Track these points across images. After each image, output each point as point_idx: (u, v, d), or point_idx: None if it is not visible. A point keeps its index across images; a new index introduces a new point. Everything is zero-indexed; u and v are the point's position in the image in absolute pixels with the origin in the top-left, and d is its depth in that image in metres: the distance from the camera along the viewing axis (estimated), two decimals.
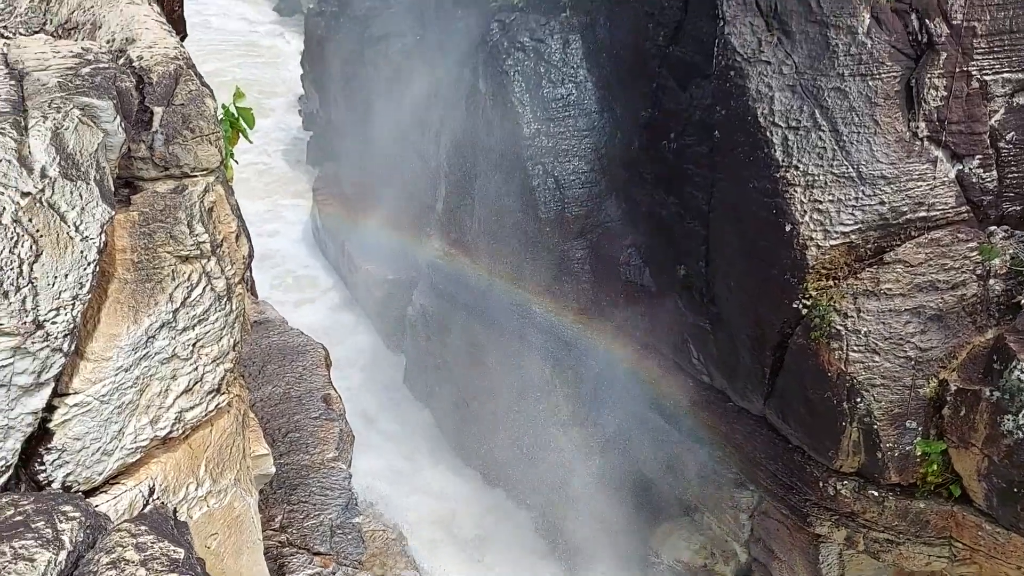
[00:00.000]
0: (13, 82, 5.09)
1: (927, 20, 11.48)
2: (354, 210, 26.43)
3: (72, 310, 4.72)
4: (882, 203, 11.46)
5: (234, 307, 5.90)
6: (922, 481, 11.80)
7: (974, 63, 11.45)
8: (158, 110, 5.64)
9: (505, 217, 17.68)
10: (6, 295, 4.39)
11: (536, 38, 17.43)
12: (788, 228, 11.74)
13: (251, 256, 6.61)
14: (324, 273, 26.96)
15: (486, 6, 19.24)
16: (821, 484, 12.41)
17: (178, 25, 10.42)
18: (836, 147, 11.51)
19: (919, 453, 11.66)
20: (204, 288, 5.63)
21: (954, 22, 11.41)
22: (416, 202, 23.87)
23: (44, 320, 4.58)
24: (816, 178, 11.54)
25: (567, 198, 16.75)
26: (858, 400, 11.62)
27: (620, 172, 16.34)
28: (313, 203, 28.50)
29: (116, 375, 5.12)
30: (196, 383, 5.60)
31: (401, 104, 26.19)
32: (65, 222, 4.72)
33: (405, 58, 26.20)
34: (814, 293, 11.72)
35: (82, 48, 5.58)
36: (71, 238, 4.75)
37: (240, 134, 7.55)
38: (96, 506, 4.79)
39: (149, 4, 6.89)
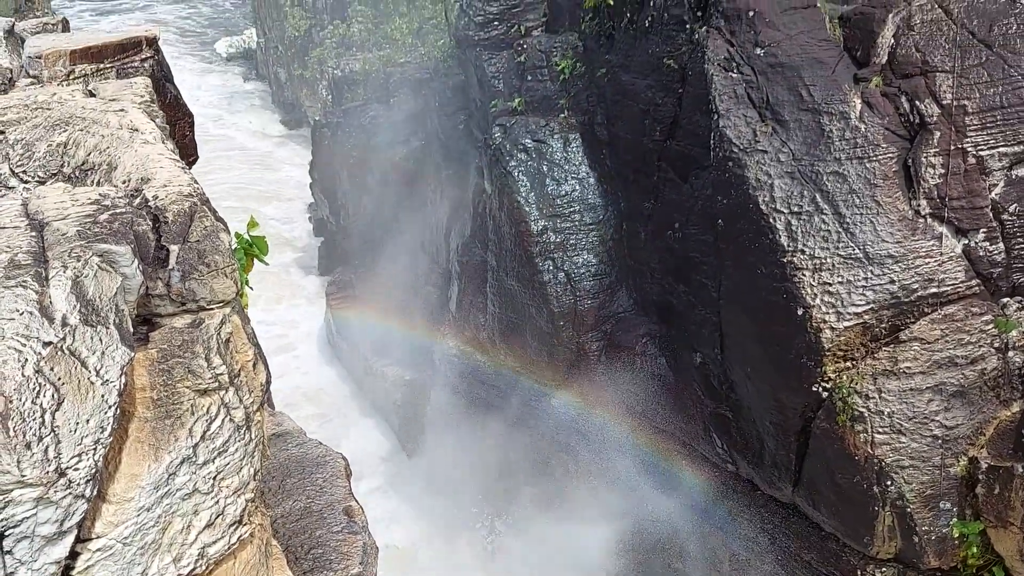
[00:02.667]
0: (34, 233, 5.27)
1: (917, 102, 11.75)
2: (368, 313, 26.64)
3: (94, 455, 4.75)
4: (892, 282, 11.49)
5: (253, 436, 5.92)
6: (963, 564, 11.44)
7: (968, 140, 11.65)
8: (174, 248, 5.80)
9: (519, 313, 17.79)
10: (28, 446, 4.44)
11: (537, 139, 17.92)
12: (800, 312, 11.76)
13: (268, 381, 6.67)
14: (340, 378, 26.96)
15: (487, 110, 19.84)
16: (859, 572, 12.05)
17: (189, 148, 10.77)
18: (840, 229, 11.62)
19: (956, 535, 11.34)
20: (223, 420, 5.66)
21: (944, 102, 11.67)
22: (429, 302, 24.07)
23: (66, 468, 4.61)
24: (823, 261, 11.61)
25: (578, 291, 16.89)
26: (888, 483, 11.39)
27: (629, 263, 16.51)
28: (326, 308, 28.76)
29: (138, 515, 5.11)
30: (218, 516, 5.57)
31: (409, 206, 26.72)
32: (86, 368, 4.81)
33: (411, 162, 26.89)
34: (833, 375, 11.64)
35: (100, 194, 5.77)
36: (92, 383, 4.83)
37: (255, 259, 7.71)
38: None
39: (162, 142, 7.15)
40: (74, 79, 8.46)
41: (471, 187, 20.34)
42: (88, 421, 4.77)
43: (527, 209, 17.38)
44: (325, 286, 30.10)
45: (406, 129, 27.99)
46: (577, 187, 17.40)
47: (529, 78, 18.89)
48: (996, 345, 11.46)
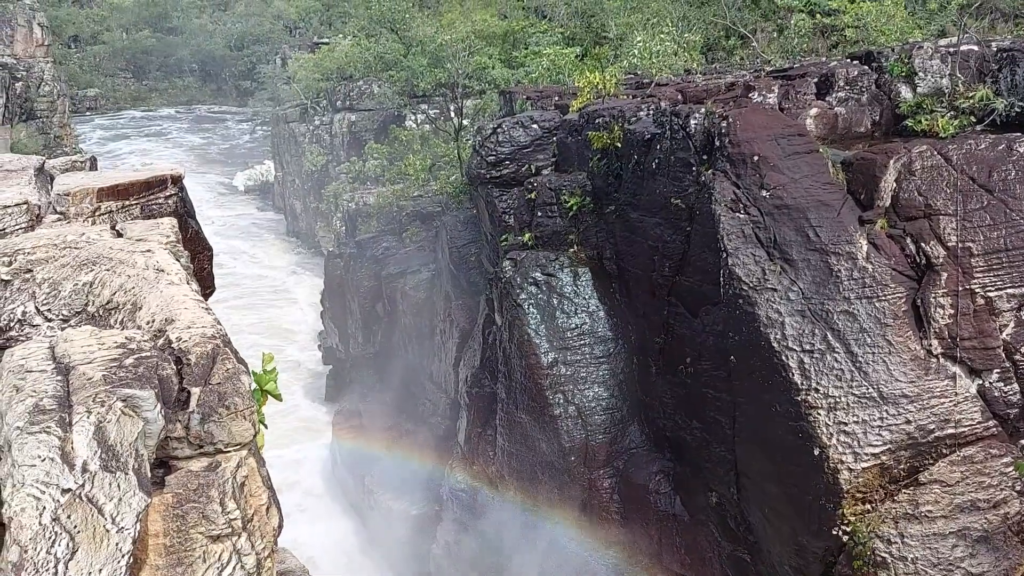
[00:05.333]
0: (60, 377, 5.33)
1: (923, 243, 11.98)
2: (373, 443, 26.31)
3: None
4: (908, 422, 11.38)
5: None
6: None
7: (976, 281, 11.80)
8: (195, 390, 5.82)
9: (529, 447, 17.55)
10: None
11: (547, 272, 18.19)
12: (816, 452, 11.59)
13: (281, 526, 6.54)
14: (343, 511, 26.34)
15: (497, 244, 20.25)
16: None
17: (207, 281, 10.97)
18: (853, 368, 11.61)
19: None
20: (234, 567, 5.53)
21: (949, 244, 11.89)
22: (437, 433, 23.80)
23: None
24: (838, 400, 11.54)
25: (590, 425, 16.71)
26: None
27: (641, 397, 16.41)
28: (332, 438, 28.44)
29: None
30: None
31: (418, 336, 26.85)
32: (102, 515, 4.75)
33: (421, 292, 27.23)
34: (852, 518, 11.34)
35: (126, 337, 5.84)
36: (107, 531, 4.76)
37: (269, 395, 7.71)
38: None
39: (187, 283, 7.30)
40: (99, 215, 8.72)
41: (481, 318, 20.50)
42: (100, 571, 4.68)
43: (537, 341, 17.45)
44: (332, 415, 29.87)
45: (417, 260, 28.49)
46: (587, 320, 17.52)
47: (539, 214, 19.37)
48: (1018, 488, 11.22)
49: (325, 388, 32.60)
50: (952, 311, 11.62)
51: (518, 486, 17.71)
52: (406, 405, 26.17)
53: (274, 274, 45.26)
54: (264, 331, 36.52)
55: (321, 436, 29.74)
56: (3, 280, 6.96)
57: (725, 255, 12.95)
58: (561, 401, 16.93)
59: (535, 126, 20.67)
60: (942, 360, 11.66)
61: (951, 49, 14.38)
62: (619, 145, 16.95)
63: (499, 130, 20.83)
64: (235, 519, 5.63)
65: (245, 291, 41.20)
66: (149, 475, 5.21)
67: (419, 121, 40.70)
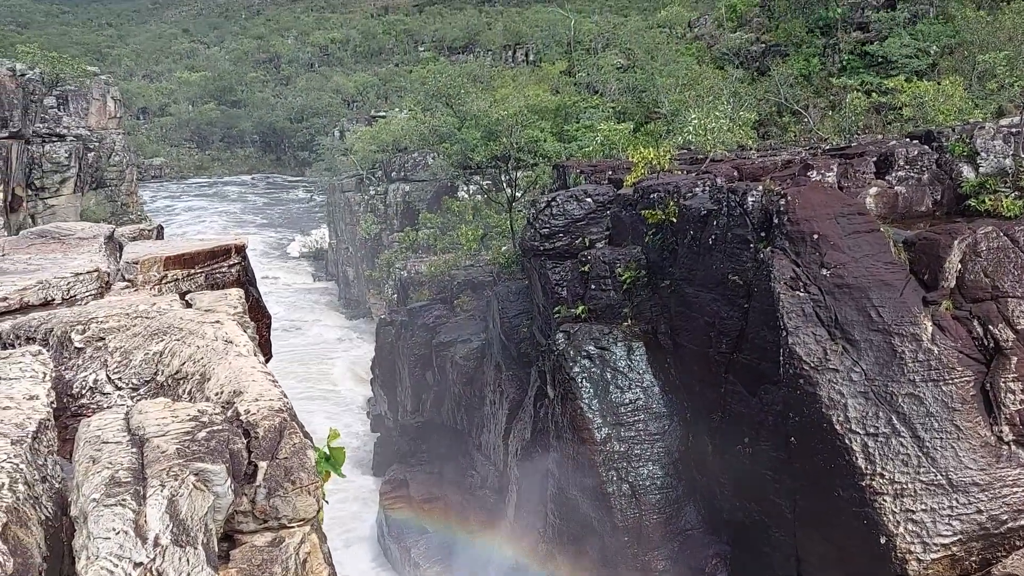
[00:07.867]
0: (135, 449, 5.42)
1: (990, 326, 11.69)
2: (421, 515, 26.05)
3: None
4: (979, 512, 10.93)
5: None
6: None
7: None
8: (263, 464, 5.87)
9: (581, 525, 17.21)
10: None
11: (601, 346, 18.09)
12: (883, 540, 11.17)
13: None
14: None
15: (550, 316, 20.25)
16: None
17: (265, 348, 11.13)
18: (920, 453, 11.25)
19: None
20: None
21: (1019, 327, 11.59)
22: (485, 506, 23.50)
23: None
24: (905, 486, 11.16)
25: (644, 504, 16.35)
26: None
27: (696, 477, 16.05)
28: (379, 508, 28.22)
29: None
30: None
31: (468, 406, 26.77)
32: None
33: (471, 362, 27.23)
34: None
35: (198, 411, 5.94)
36: None
37: (332, 471, 7.71)
38: None
39: (254, 354, 7.43)
40: (166, 283, 8.97)
41: (532, 390, 20.38)
42: None
43: (590, 416, 17.26)
44: (379, 484, 29.70)
45: (468, 329, 28.59)
46: (641, 395, 17.31)
47: (593, 287, 19.39)
48: None
49: (373, 457, 32.53)
50: (1023, 396, 11.26)
51: (568, 565, 17.31)
52: (454, 476, 25.97)
53: (324, 339, 45.79)
54: (313, 398, 36.79)
55: (368, 505, 29.56)
56: (77, 348, 7.17)
57: (785, 333, 12.78)
58: (614, 478, 16.63)
59: (589, 200, 20.85)
60: (1014, 447, 11.24)
61: (1014, 129, 14.25)
62: (674, 220, 16.99)
63: (553, 203, 21.04)
64: None
65: (295, 357, 41.68)
66: (216, 549, 5.24)
67: (472, 192, 41.39)
